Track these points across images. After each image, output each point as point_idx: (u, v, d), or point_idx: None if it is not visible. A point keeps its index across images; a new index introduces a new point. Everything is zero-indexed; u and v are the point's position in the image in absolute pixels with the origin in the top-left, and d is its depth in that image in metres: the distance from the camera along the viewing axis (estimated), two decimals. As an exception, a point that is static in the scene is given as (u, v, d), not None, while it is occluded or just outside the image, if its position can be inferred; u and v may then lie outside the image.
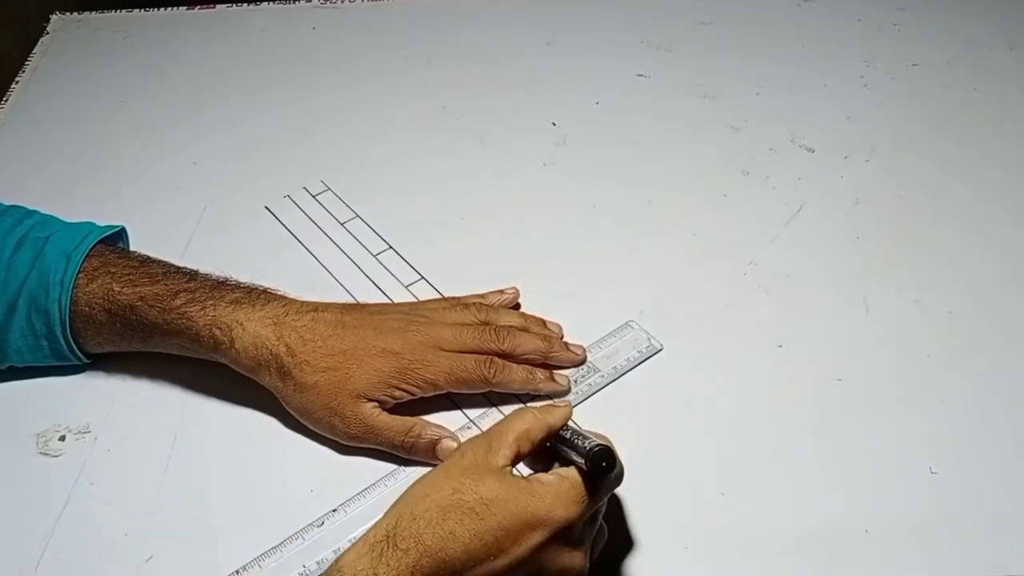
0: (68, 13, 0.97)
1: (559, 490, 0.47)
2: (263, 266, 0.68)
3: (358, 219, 0.74)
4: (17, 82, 0.88)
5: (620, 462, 0.49)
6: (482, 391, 0.60)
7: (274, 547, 0.54)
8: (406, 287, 0.68)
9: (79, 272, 0.60)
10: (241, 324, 0.58)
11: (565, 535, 0.47)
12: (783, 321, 0.66)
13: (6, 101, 0.86)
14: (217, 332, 0.58)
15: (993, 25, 0.93)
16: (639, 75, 0.88)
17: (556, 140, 0.81)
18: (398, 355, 0.58)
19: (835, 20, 0.94)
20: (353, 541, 0.48)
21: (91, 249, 0.61)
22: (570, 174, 0.78)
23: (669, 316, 0.66)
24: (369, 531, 0.46)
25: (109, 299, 0.59)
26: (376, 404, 0.58)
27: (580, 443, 0.48)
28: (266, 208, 0.75)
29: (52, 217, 0.65)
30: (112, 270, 0.60)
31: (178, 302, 0.59)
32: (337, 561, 0.45)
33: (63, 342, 0.61)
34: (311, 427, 0.59)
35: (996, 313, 0.66)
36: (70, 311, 0.60)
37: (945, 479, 0.57)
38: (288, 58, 0.91)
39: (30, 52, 0.92)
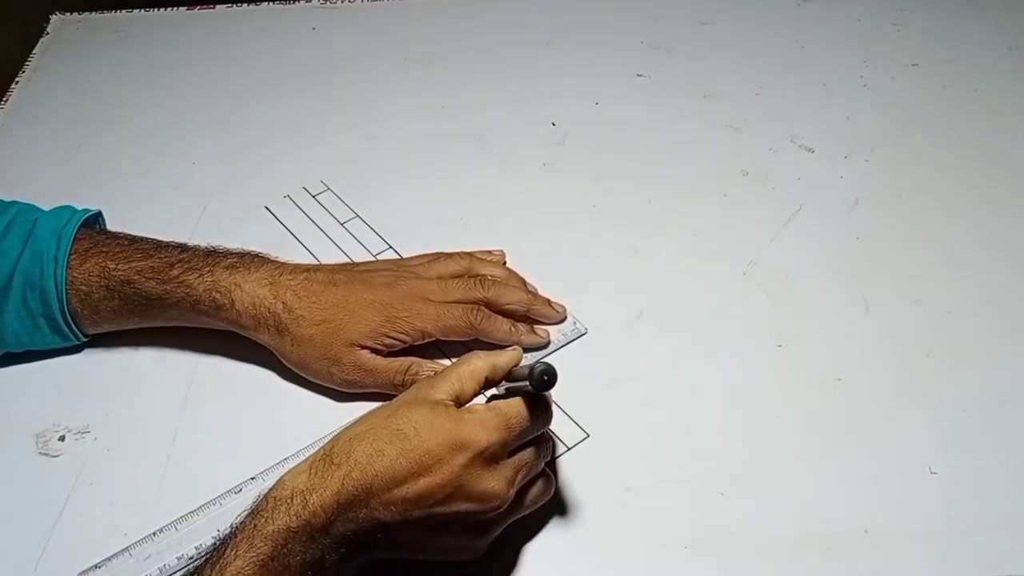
0: (68, 13, 0.97)
1: (484, 418, 0.49)
2: (263, 266, 0.68)
3: (358, 219, 0.74)
4: (17, 82, 0.88)
5: (554, 384, 0.49)
6: (468, 338, 0.62)
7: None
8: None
9: (71, 254, 0.61)
10: (239, 286, 0.60)
11: (487, 459, 0.49)
12: (783, 321, 0.66)
13: (6, 100, 0.86)
14: (217, 296, 0.60)
15: (993, 25, 0.93)
16: (639, 75, 0.88)
17: (556, 140, 0.81)
18: (387, 305, 0.60)
19: (835, 20, 0.94)
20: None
21: (77, 231, 0.63)
22: (570, 174, 0.78)
23: (669, 316, 0.66)
24: (313, 453, 0.50)
25: (106, 275, 0.61)
26: (370, 351, 0.60)
27: (522, 372, 0.51)
28: (266, 208, 0.75)
29: (31, 205, 0.66)
30: (104, 249, 0.62)
31: (175, 272, 0.61)
32: (280, 479, 0.49)
33: (61, 318, 0.61)
34: (311, 379, 0.61)
35: (996, 313, 0.66)
36: (67, 291, 0.61)
37: (945, 479, 0.57)
38: (288, 58, 0.91)
39: (30, 52, 0.92)
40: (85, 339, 0.64)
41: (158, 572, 0.52)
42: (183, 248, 0.63)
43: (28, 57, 0.91)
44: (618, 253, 0.71)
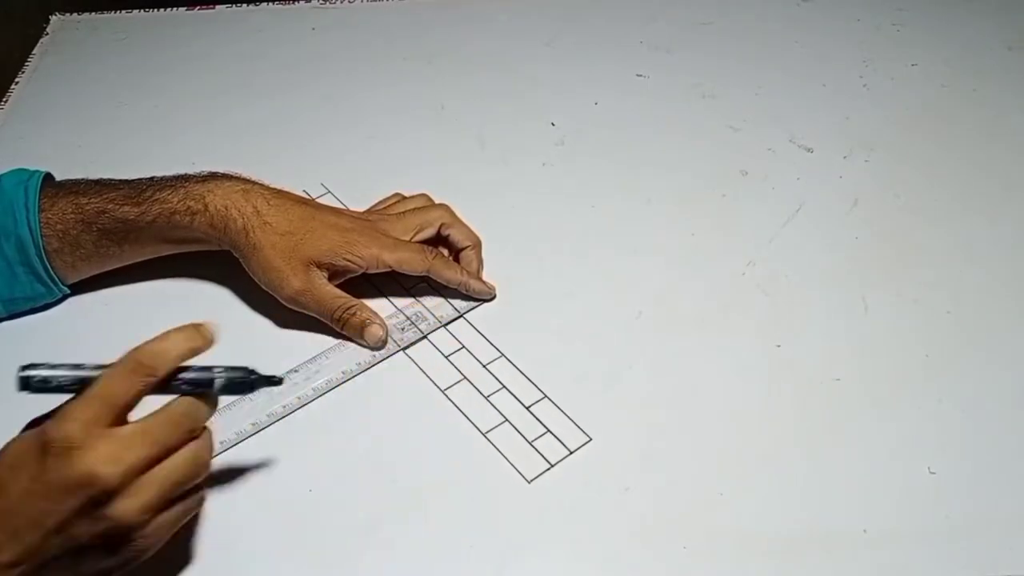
0: (68, 14, 0.97)
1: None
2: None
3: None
4: (17, 82, 0.88)
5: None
6: (420, 273, 0.66)
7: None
8: (408, 290, 0.68)
9: (41, 198, 0.63)
10: (212, 192, 0.63)
11: (99, 500, 0.43)
12: (782, 321, 0.66)
13: (6, 101, 0.86)
14: (191, 203, 0.63)
15: (992, 25, 0.93)
16: (638, 75, 0.88)
17: (555, 140, 0.81)
18: (349, 230, 0.64)
19: (834, 20, 0.94)
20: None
21: (41, 181, 0.64)
22: (569, 174, 0.78)
23: (668, 316, 0.66)
24: None
25: (79, 210, 0.63)
26: (324, 274, 0.63)
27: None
28: (266, 208, 0.75)
29: None
30: (73, 189, 0.64)
31: (148, 193, 0.63)
32: None
33: (39, 263, 0.63)
34: (262, 284, 0.64)
35: (995, 313, 0.66)
36: (42, 233, 0.62)
37: (944, 479, 0.57)
38: (287, 59, 0.91)
39: (30, 52, 0.92)
40: (67, 290, 0.66)
41: None
42: (150, 178, 0.65)
43: (28, 57, 0.91)
44: (617, 253, 0.71)
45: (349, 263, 0.64)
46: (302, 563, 0.53)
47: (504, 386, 0.62)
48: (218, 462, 0.58)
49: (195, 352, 0.48)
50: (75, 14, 0.97)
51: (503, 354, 0.64)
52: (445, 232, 0.68)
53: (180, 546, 0.54)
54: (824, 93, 0.85)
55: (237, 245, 0.63)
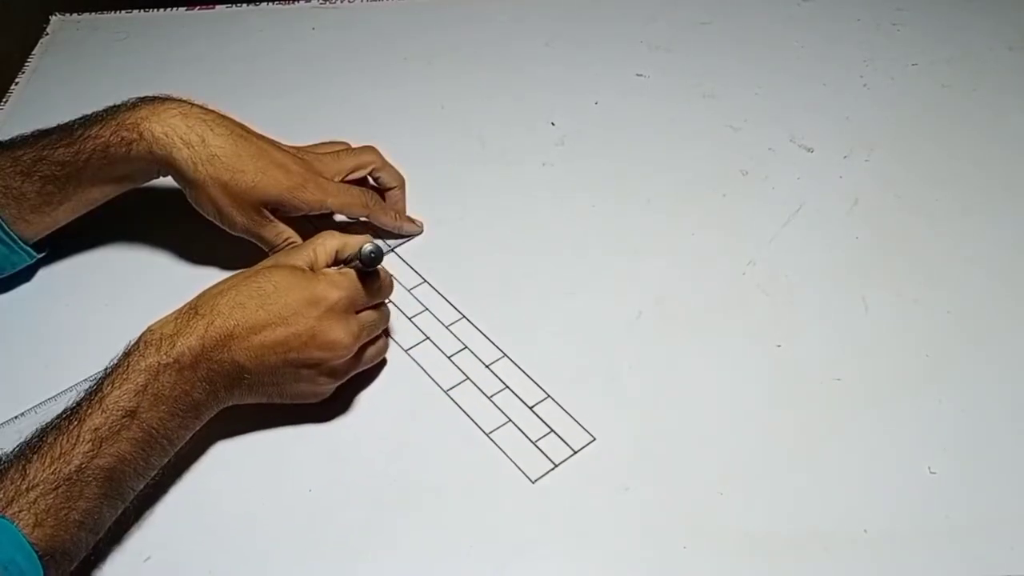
0: (68, 14, 0.97)
1: (335, 279, 0.57)
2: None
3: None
4: (17, 82, 0.88)
5: (381, 261, 0.58)
6: (359, 217, 0.70)
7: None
8: (409, 290, 0.68)
9: None
10: (146, 119, 0.63)
11: (336, 313, 0.56)
12: (782, 321, 0.66)
13: (6, 101, 0.86)
14: (125, 134, 0.62)
15: (993, 25, 0.92)
16: (638, 75, 0.88)
17: (555, 140, 0.81)
18: (295, 173, 0.65)
19: (834, 20, 0.94)
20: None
21: None
22: (569, 174, 0.78)
23: (668, 316, 0.66)
24: (178, 307, 0.56)
25: (16, 162, 0.63)
26: (269, 211, 0.65)
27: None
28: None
29: None
30: (8, 145, 0.65)
31: (78, 132, 0.63)
32: (148, 327, 0.54)
33: None
34: (205, 215, 0.66)
35: (995, 313, 0.66)
36: None
37: (944, 479, 0.57)
38: (287, 59, 0.91)
39: (30, 52, 0.92)
40: (32, 251, 0.67)
41: None
42: (83, 116, 0.65)
43: (28, 58, 0.91)
44: (618, 253, 0.71)
45: (295, 207, 0.65)
46: (303, 563, 0.54)
47: (507, 386, 0.62)
48: (219, 461, 0.58)
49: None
50: (75, 14, 0.97)
51: (505, 354, 0.64)
52: (376, 175, 0.71)
53: (180, 545, 0.54)
54: (824, 93, 0.85)
55: (183, 175, 0.63)
